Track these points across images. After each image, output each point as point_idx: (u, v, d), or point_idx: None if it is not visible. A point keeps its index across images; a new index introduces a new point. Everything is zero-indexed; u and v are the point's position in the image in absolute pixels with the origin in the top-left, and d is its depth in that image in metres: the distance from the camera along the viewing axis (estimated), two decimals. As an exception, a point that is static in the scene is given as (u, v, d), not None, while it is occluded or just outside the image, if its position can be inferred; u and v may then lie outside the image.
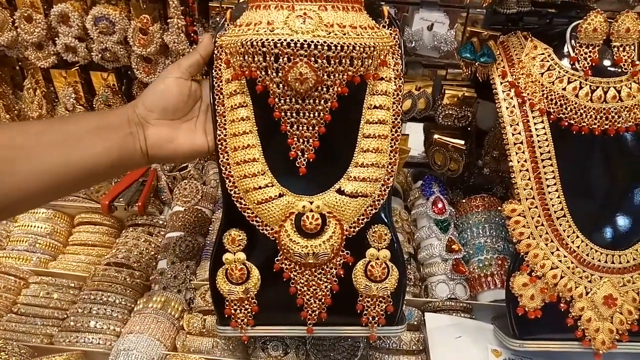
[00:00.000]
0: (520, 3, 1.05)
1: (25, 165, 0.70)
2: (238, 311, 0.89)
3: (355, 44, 0.78)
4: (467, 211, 1.23)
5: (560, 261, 0.92)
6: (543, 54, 0.96)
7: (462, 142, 1.09)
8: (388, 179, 0.87)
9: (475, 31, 0.99)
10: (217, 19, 1.05)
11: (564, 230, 0.92)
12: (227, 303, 0.89)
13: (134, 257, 1.16)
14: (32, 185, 0.71)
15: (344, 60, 0.78)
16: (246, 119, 0.85)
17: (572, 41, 0.94)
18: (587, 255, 0.92)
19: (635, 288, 0.91)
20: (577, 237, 0.92)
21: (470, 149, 1.27)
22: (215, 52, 0.87)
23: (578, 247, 0.92)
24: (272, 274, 0.87)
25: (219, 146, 0.87)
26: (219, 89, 0.86)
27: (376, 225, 0.87)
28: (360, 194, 0.85)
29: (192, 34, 1.01)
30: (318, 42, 0.76)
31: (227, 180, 0.86)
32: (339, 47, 0.77)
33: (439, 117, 1.07)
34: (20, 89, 1.33)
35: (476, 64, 1.00)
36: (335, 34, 0.77)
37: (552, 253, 0.92)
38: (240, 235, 0.87)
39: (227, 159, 0.86)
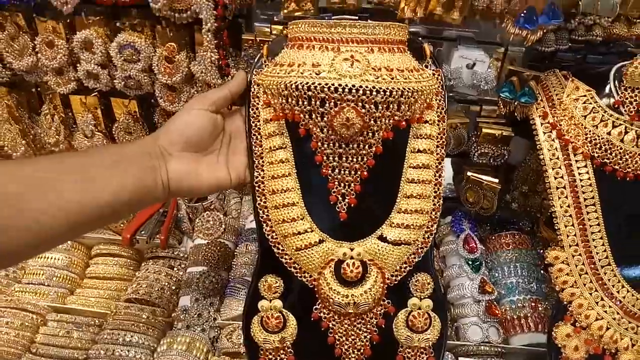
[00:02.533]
0: (558, 41, 1.03)
1: (35, 203, 0.61)
2: (273, 360, 0.85)
3: (404, 88, 0.75)
4: (497, 249, 1.20)
5: (605, 312, 0.89)
6: (585, 95, 0.93)
7: (497, 180, 1.06)
8: (432, 226, 0.84)
9: (515, 70, 0.97)
10: (251, 51, 1.01)
11: (609, 280, 0.89)
12: (262, 352, 0.85)
13: (155, 293, 1.12)
14: (42, 226, 0.62)
15: (391, 105, 0.75)
16: (285, 161, 0.81)
17: (616, 83, 0.92)
18: (634, 306, 0.88)
19: (683, 341, 0.88)
20: (623, 286, 0.89)
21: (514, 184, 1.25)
22: (253, 90, 0.84)
23: (624, 297, 0.89)
24: (309, 323, 0.84)
25: (257, 188, 0.83)
26: (256, 129, 0.83)
27: (419, 274, 0.84)
28: (403, 242, 0.82)
29: (225, 67, 0.98)
30: (367, 87, 0.73)
31: (265, 224, 0.83)
32: (387, 92, 0.74)
33: (474, 156, 1.04)
34: (36, 113, 1.29)
35: (515, 103, 0.97)
36: (384, 79, 0.74)
37: (597, 303, 0.89)
38: (277, 282, 0.83)
39: (265, 202, 0.83)
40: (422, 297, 0.84)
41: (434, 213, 0.83)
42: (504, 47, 1.03)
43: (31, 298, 1.10)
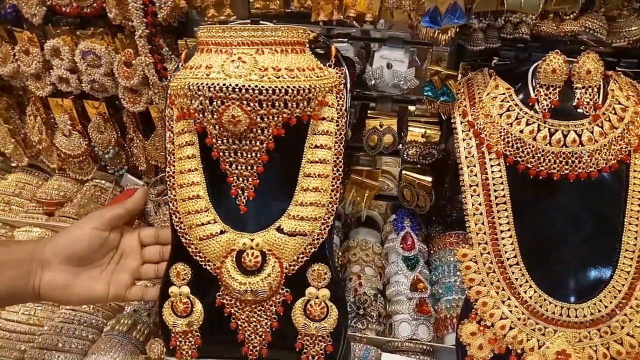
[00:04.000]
0: (488, 39, 1.02)
1: None
2: (183, 343, 0.91)
3: (288, 87, 0.79)
4: (441, 248, 1.20)
5: (510, 311, 0.87)
6: (504, 93, 0.93)
7: (429, 179, 1.07)
8: (328, 218, 0.87)
9: (436, 69, 0.98)
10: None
11: (517, 279, 0.88)
12: (173, 335, 0.91)
13: (111, 279, 1.21)
14: None
15: (277, 103, 0.80)
16: (192, 157, 0.88)
17: (534, 82, 0.91)
18: (541, 306, 0.87)
19: (592, 345, 0.85)
20: (530, 287, 0.87)
21: (450, 183, 1.24)
22: (170, 91, 0.91)
23: (530, 297, 0.87)
24: (214, 309, 0.89)
25: (168, 182, 0.90)
26: (170, 127, 0.90)
27: (316, 264, 0.87)
28: (299, 233, 0.85)
29: (162, 70, 1.06)
30: (249, 86, 0.78)
31: (174, 216, 0.89)
32: (270, 91, 0.78)
33: (404, 154, 1.06)
34: (26, 115, 1.43)
35: (437, 102, 0.98)
36: (269, 78, 0.79)
37: (503, 302, 0.88)
38: (185, 270, 0.90)
39: (175, 195, 0.89)
40: (319, 286, 0.87)
41: (330, 206, 0.87)
42: (432, 47, 1.04)
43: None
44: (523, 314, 0.87)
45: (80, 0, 1.14)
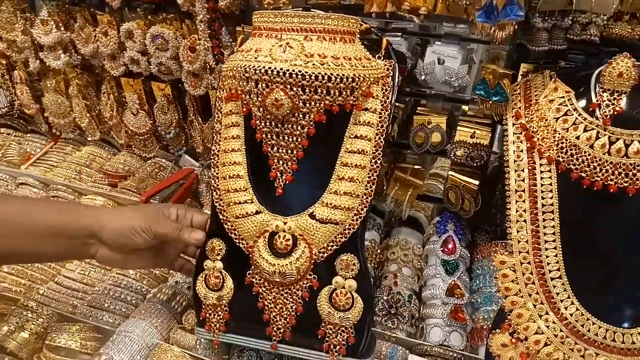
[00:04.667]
0: (553, 40, 0.97)
1: None
2: (212, 316, 0.94)
3: (332, 74, 0.79)
4: (485, 256, 1.15)
5: (547, 327, 0.82)
6: (563, 97, 0.87)
7: (476, 182, 1.03)
8: (362, 210, 0.86)
9: (492, 68, 0.94)
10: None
11: (558, 293, 0.82)
12: (203, 307, 0.95)
13: (159, 251, 1.28)
14: None
15: (319, 90, 0.81)
16: (237, 138, 0.90)
17: (597, 86, 0.85)
18: (582, 326, 0.81)
19: (638, 375, 0.78)
20: (572, 303, 0.82)
21: (502, 189, 1.19)
22: (221, 73, 0.95)
23: (572, 314, 0.81)
24: (244, 286, 0.91)
25: (212, 160, 0.94)
26: (219, 107, 0.94)
27: (345, 254, 0.87)
28: (330, 221, 0.86)
29: (219, 55, 1.10)
30: (294, 70, 0.79)
31: (215, 192, 0.93)
32: (313, 77, 0.79)
33: (451, 154, 1.03)
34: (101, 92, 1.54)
35: (490, 102, 0.94)
36: (313, 64, 0.80)
37: (540, 316, 0.83)
38: (220, 245, 0.93)
39: (217, 173, 0.93)
40: (346, 276, 0.86)
41: (365, 198, 0.86)
42: (490, 45, 1.00)
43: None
44: (561, 331, 0.82)
45: (155, -14, 1.22)
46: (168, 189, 1.36)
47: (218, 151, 0.93)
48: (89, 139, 1.62)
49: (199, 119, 1.43)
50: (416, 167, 1.18)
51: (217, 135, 0.94)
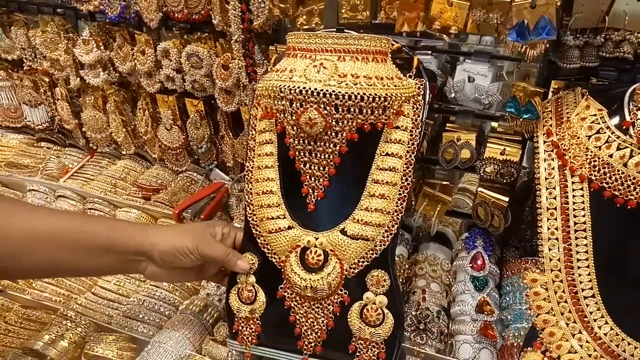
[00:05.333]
0: (585, 58, 0.97)
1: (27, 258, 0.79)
2: (244, 328, 0.97)
3: (365, 94, 0.82)
4: (515, 273, 1.14)
5: (581, 346, 0.82)
6: (595, 115, 0.87)
7: (506, 199, 1.03)
8: (393, 226, 0.87)
9: (522, 86, 0.95)
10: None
11: (591, 312, 0.82)
12: (236, 320, 0.97)
13: (191, 263, 1.32)
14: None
15: (352, 109, 0.83)
16: (270, 155, 0.93)
17: (631, 104, 0.84)
18: (617, 346, 0.80)
19: (675, 397, 0.77)
20: (606, 323, 0.81)
21: (532, 206, 1.18)
22: (256, 92, 0.98)
23: (606, 334, 0.81)
24: (275, 300, 0.93)
25: (246, 176, 0.97)
26: (253, 125, 0.97)
27: (376, 270, 0.88)
28: (361, 237, 0.87)
29: (252, 73, 1.14)
30: (327, 90, 0.82)
31: (249, 208, 0.96)
32: (346, 96, 0.81)
33: (481, 170, 1.03)
34: (137, 108, 1.60)
35: (520, 119, 0.95)
36: (346, 84, 0.82)
37: (573, 335, 0.82)
38: (253, 260, 0.95)
39: (250, 189, 0.96)
40: (377, 292, 0.88)
41: (396, 214, 0.87)
42: (520, 62, 1.00)
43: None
44: (595, 350, 0.81)
45: (191, 7, 1.26)
46: (199, 202, 1.40)
47: (252, 167, 0.96)
48: (124, 152, 1.67)
49: (230, 134, 1.47)
50: (444, 182, 1.19)
51: (251, 152, 0.97)
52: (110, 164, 1.72)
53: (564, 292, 0.84)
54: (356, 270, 0.88)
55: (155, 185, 1.58)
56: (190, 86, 1.38)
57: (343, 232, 0.88)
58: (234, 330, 0.98)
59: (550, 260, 0.86)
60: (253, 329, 0.96)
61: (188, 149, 1.56)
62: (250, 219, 0.95)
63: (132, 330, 1.16)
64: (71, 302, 1.24)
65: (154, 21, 1.32)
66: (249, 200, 0.96)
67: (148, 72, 1.44)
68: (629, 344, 0.80)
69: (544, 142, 0.92)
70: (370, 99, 0.82)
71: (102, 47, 1.45)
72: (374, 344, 0.88)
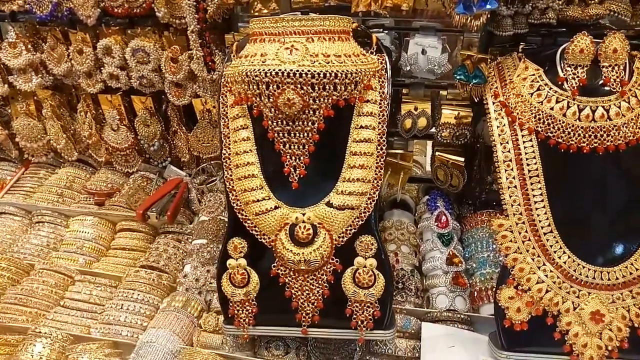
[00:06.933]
0: (516, 25, 1.08)
1: None
2: (240, 312, 0.99)
3: (337, 71, 0.87)
4: (473, 226, 1.26)
5: (546, 276, 0.94)
6: (534, 74, 0.99)
7: (462, 159, 1.13)
8: (374, 193, 0.94)
9: (468, 54, 1.04)
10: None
11: (551, 246, 0.94)
12: (231, 304, 0.99)
13: (163, 261, 1.30)
14: None
15: (327, 86, 0.87)
16: (247, 139, 0.95)
17: (562, 62, 0.97)
18: (575, 270, 0.93)
19: (625, 305, 0.91)
20: (564, 252, 0.94)
21: (479, 165, 1.30)
22: (223, 80, 0.99)
23: (565, 262, 0.93)
24: (269, 279, 0.97)
25: (224, 163, 0.98)
26: (224, 113, 0.98)
27: (363, 236, 0.94)
28: (347, 207, 0.93)
29: (210, 63, 1.14)
30: (303, 70, 0.85)
31: (231, 194, 0.97)
32: (321, 75, 0.86)
33: (437, 135, 1.12)
34: (75, 111, 1.52)
35: (470, 85, 1.04)
36: (320, 63, 0.86)
37: (539, 268, 0.94)
38: (241, 243, 0.97)
39: (231, 175, 0.97)
40: (366, 256, 0.94)
41: (375, 182, 0.94)
42: (463, 34, 1.10)
43: (64, 263, 1.32)
44: (558, 277, 0.93)
45: (132, 1, 1.23)
46: (161, 200, 1.37)
47: (229, 154, 0.97)
48: (68, 159, 1.59)
49: (184, 128, 1.45)
50: (402, 151, 1.27)
51: (225, 139, 0.98)
52: (50, 173, 1.62)
53: (527, 232, 0.95)
54: (345, 239, 0.94)
55: (106, 190, 1.52)
56: (138, 83, 1.35)
57: (329, 204, 0.93)
58: (229, 315, 1.00)
59: (512, 205, 0.97)
60: (250, 311, 0.98)
61: (138, 148, 1.52)
62: (234, 205, 0.97)
63: (115, 335, 1.13)
64: (40, 318, 1.18)
65: (92, 18, 1.27)
66: (230, 187, 0.97)
67: (88, 72, 1.37)
68: (583, 267, 0.93)
69: (493, 103, 1.03)
70: (343, 75, 0.87)
71: (31, 50, 1.37)
72: (368, 304, 0.95)
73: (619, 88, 0.92)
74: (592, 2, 1.04)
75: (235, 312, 0.99)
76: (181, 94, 1.35)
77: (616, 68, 0.93)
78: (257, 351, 1.09)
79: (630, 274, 0.91)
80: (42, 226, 1.43)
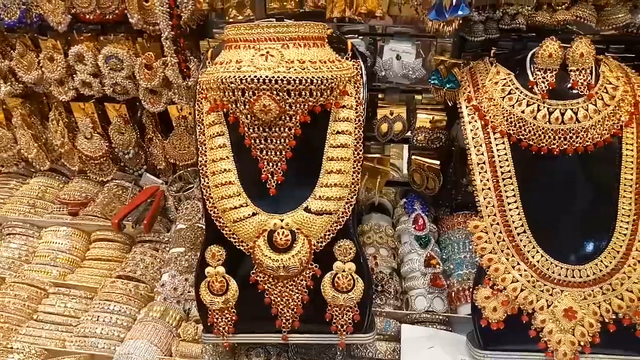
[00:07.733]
0: (488, 31, 1.11)
1: None
2: (219, 320, 0.98)
3: (313, 77, 0.87)
4: (450, 228, 1.28)
5: (521, 275, 0.96)
6: (505, 79, 1.01)
7: (437, 162, 1.15)
8: (352, 198, 0.94)
9: (442, 59, 1.06)
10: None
11: (524, 246, 0.96)
12: (210, 313, 0.98)
13: (140, 271, 1.28)
14: None
15: (303, 92, 0.88)
16: (223, 146, 0.95)
17: (532, 66, 0.99)
18: (547, 269, 0.95)
19: (596, 302, 0.94)
20: (537, 252, 0.96)
21: (454, 168, 1.33)
22: (199, 87, 0.98)
23: (538, 261, 0.96)
24: (248, 286, 0.96)
25: (201, 171, 0.97)
26: (200, 120, 0.97)
27: (342, 241, 0.95)
28: (325, 212, 0.93)
29: (185, 70, 1.13)
30: (278, 77, 0.86)
31: (208, 202, 0.97)
32: (297, 81, 0.86)
33: (413, 139, 1.14)
34: (47, 119, 1.49)
35: (444, 89, 1.06)
36: (295, 69, 0.87)
37: (513, 267, 0.96)
38: (220, 251, 0.97)
39: (207, 182, 0.97)
40: (345, 260, 0.94)
41: (353, 186, 0.94)
42: (436, 39, 1.12)
43: (37, 275, 1.29)
44: (532, 276, 0.96)
45: (104, 7, 1.21)
46: (137, 209, 1.35)
47: (205, 161, 0.97)
48: (40, 169, 1.55)
49: (159, 135, 1.43)
50: (379, 155, 1.29)
51: (202, 146, 0.97)
52: (21, 184, 1.58)
53: (501, 232, 0.97)
54: (323, 244, 0.94)
55: (80, 199, 1.49)
56: (111, 90, 1.33)
57: (307, 210, 0.93)
58: (209, 324, 0.99)
59: (486, 207, 0.99)
60: (229, 319, 0.98)
61: (112, 156, 1.49)
62: (212, 212, 0.96)
63: (91, 348, 1.11)
64: (12, 333, 1.15)
65: (62, 24, 1.24)
66: (207, 194, 0.97)
67: (59, 80, 1.35)
68: (556, 265, 0.95)
69: (466, 107, 1.04)
70: (319, 81, 0.88)
71: (-1, 57, 1.33)
72: (348, 308, 0.95)
73: (586, 91, 0.96)
74: (560, 7, 1.07)
75: (215, 320, 0.98)
76: (156, 101, 1.34)
77: (583, 72, 0.96)
78: (237, 359, 1.08)
79: (600, 271, 0.94)
80: (14, 238, 1.39)
